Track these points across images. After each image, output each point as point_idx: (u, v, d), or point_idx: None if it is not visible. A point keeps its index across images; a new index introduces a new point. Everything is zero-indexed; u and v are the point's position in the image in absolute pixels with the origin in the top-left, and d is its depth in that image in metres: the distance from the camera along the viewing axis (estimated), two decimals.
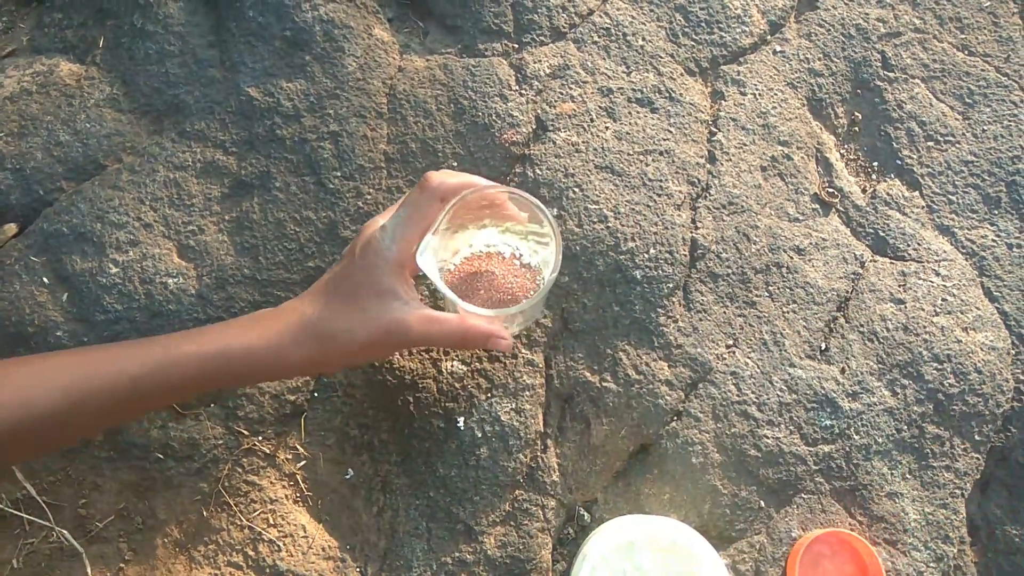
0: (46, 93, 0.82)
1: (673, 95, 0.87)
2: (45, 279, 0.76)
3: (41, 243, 0.77)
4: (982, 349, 0.84)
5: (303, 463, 0.77)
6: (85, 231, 0.77)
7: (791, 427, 0.80)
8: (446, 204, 0.61)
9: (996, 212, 0.90)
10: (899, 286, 0.85)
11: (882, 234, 0.87)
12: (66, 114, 0.81)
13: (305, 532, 0.75)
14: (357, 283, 0.60)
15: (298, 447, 0.77)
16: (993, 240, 0.88)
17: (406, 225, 0.60)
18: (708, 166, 0.86)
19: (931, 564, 0.79)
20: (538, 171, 0.81)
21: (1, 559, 0.74)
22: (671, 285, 0.81)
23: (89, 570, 0.73)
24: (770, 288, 0.83)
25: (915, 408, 0.82)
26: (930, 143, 0.91)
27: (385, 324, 0.59)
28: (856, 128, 0.93)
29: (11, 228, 0.79)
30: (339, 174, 0.80)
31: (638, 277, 0.80)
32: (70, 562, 0.74)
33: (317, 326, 0.60)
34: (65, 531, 0.75)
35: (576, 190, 0.81)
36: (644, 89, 0.86)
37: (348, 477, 0.77)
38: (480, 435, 0.76)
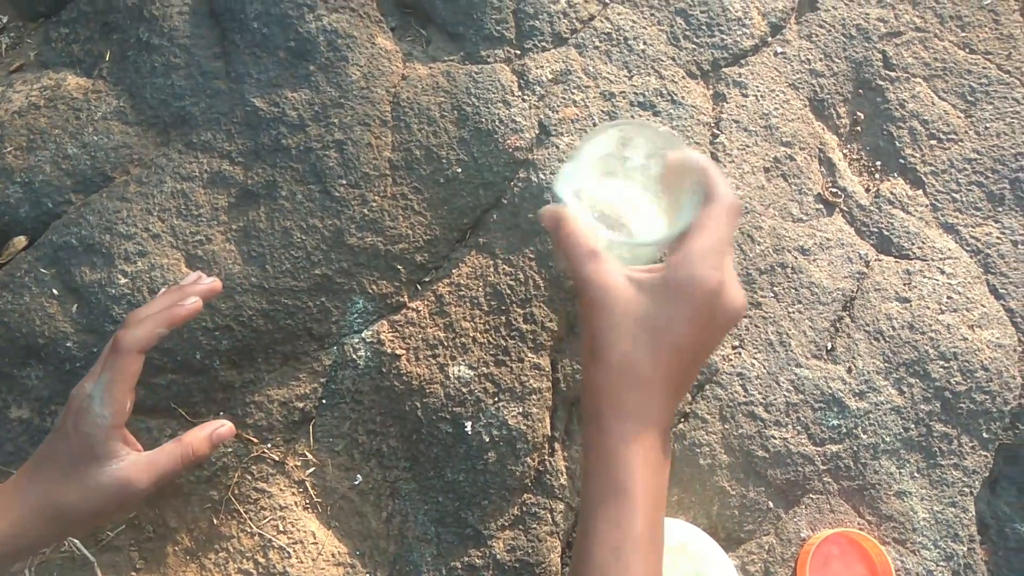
0: (54, 107, 0.83)
1: (675, 98, 0.87)
2: (55, 290, 0.77)
3: (50, 255, 0.78)
4: (988, 346, 0.83)
5: (312, 470, 0.78)
6: (94, 242, 0.77)
7: (798, 427, 0.80)
8: (143, 353, 0.63)
9: (1000, 209, 0.90)
10: (904, 285, 0.85)
11: (886, 233, 0.87)
12: (74, 127, 0.82)
13: (315, 538, 0.76)
14: (76, 455, 0.62)
15: (307, 454, 0.78)
16: (997, 237, 0.88)
17: (112, 388, 0.62)
18: None
19: (941, 563, 0.79)
20: (542, 176, 0.82)
21: (14, 569, 0.75)
22: None
23: None
24: (775, 288, 0.83)
25: (922, 406, 0.82)
26: (933, 141, 0.92)
27: (111, 488, 0.61)
28: (858, 128, 0.93)
29: (20, 241, 0.80)
30: (344, 182, 0.80)
31: None
32: (82, 571, 0.74)
33: (46, 508, 0.61)
34: (76, 540, 0.75)
35: None
36: (646, 93, 0.87)
37: (357, 483, 0.78)
38: (488, 439, 0.76)
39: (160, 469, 0.63)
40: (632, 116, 0.85)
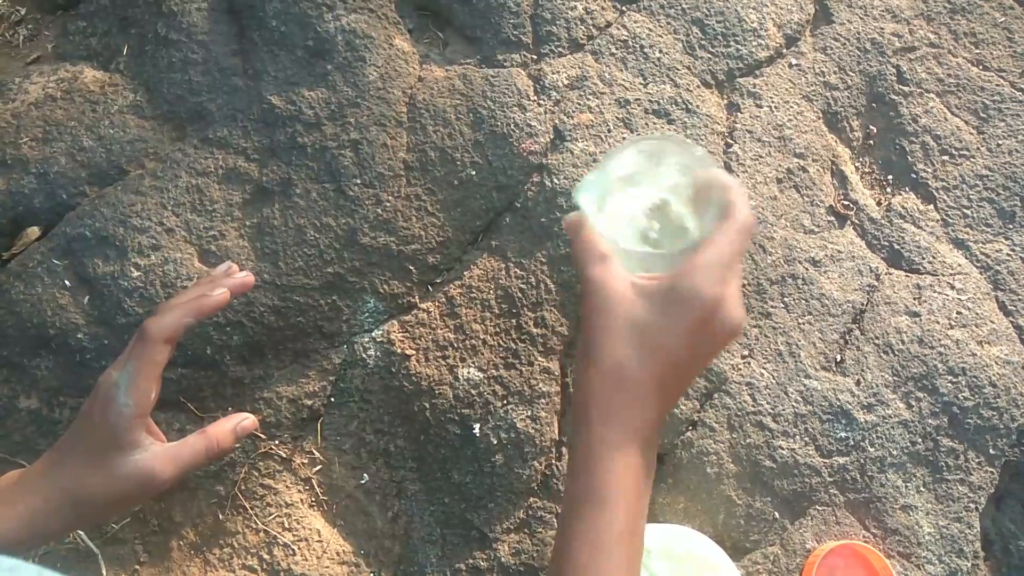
0: (70, 99, 0.83)
1: (690, 107, 0.87)
2: (67, 282, 0.77)
3: (64, 246, 0.78)
4: (997, 363, 0.84)
5: (319, 467, 0.78)
6: (107, 235, 0.77)
7: (806, 438, 0.80)
8: (172, 344, 0.62)
9: (1011, 226, 0.90)
10: (914, 299, 0.85)
11: (897, 247, 0.88)
12: (90, 120, 0.82)
13: (320, 536, 0.76)
14: (100, 443, 0.61)
15: (314, 451, 0.78)
16: (1008, 254, 0.89)
17: (137, 377, 0.61)
18: None
19: None
20: (555, 180, 0.82)
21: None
22: None
23: (104, 571, 0.74)
24: (785, 299, 0.83)
25: (930, 421, 0.82)
26: (945, 157, 0.92)
27: (134, 478, 0.61)
28: (871, 141, 0.93)
29: (34, 231, 0.80)
30: (359, 181, 0.80)
31: None
32: (86, 563, 0.74)
33: (70, 493, 0.60)
34: (81, 532, 0.75)
35: None
36: (661, 100, 0.87)
37: (363, 482, 0.78)
38: (496, 442, 0.76)
39: (184, 461, 0.62)
40: (650, 125, 0.86)
